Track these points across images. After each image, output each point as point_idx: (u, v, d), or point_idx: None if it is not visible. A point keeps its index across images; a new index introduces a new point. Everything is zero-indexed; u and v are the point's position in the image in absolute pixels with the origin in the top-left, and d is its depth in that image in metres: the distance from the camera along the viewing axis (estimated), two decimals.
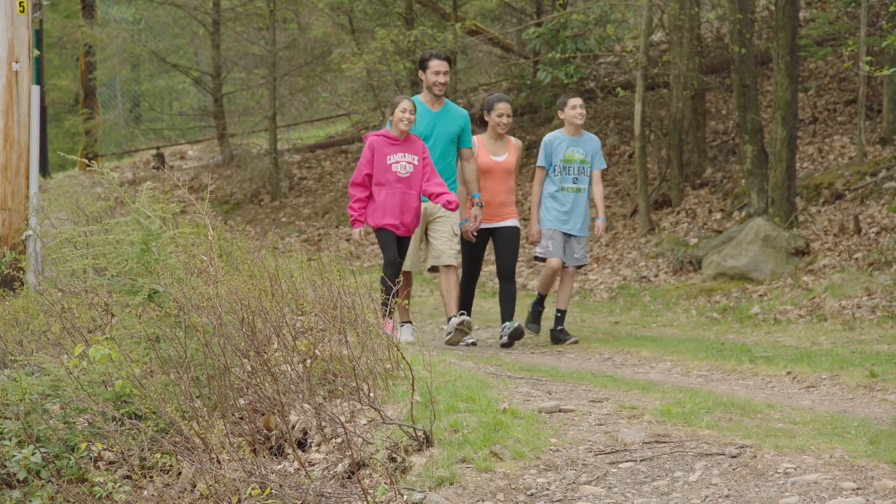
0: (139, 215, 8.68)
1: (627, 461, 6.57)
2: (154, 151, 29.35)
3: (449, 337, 11.49)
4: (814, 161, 19.50)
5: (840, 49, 21.55)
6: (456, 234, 11.49)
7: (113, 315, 8.85)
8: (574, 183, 12.04)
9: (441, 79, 11.56)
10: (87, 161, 24.92)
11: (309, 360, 7.71)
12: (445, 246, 11.41)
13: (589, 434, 6.98)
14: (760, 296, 14.90)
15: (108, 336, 8.02)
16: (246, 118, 28.41)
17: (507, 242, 11.95)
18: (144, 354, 7.97)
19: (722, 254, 16.00)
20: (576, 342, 12.01)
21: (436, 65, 11.58)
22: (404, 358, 7.39)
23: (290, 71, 25.99)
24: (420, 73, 11.76)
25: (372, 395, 7.44)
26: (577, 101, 12.10)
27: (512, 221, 11.95)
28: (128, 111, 33.63)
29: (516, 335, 11.78)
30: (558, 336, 12.11)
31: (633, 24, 23.05)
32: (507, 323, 11.82)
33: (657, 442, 6.80)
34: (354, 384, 7.32)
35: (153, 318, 8.12)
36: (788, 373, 9.82)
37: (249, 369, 7.69)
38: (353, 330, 7.84)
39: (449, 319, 11.50)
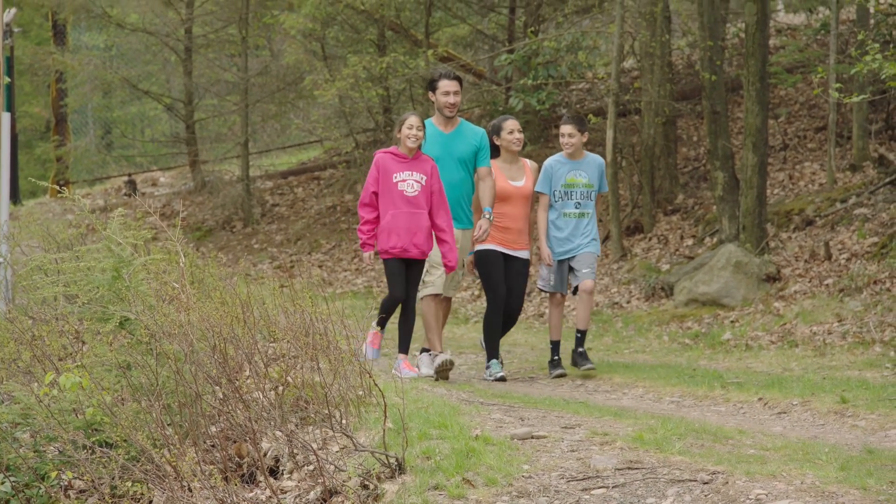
0: (110, 242, 8.66)
1: (600, 488, 6.57)
2: (126, 178, 29.26)
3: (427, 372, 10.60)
4: (784, 187, 19.59)
5: (810, 76, 21.72)
6: (463, 267, 11.04)
7: (84, 343, 8.81)
8: (576, 208, 11.49)
9: (451, 99, 10.93)
10: (58, 188, 24.76)
11: (281, 387, 7.69)
12: (448, 277, 10.82)
13: (561, 460, 6.98)
14: (732, 322, 14.94)
15: (79, 364, 7.98)
16: (218, 145, 28.38)
17: (516, 278, 11.34)
18: (115, 382, 7.93)
19: (693, 280, 16.05)
20: (592, 369, 11.48)
21: (445, 85, 10.97)
22: (377, 385, 7.39)
23: (262, 97, 25.99)
24: (430, 94, 11.15)
25: (344, 421, 7.42)
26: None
27: (525, 253, 11.38)
28: (99, 138, 33.53)
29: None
30: (577, 359, 11.58)
31: (604, 51, 23.14)
32: (493, 362, 11.26)
33: (629, 468, 6.80)
34: (326, 411, 7.30)
35: (124, 345, 8.09)
36: (760, 399, 9.85)
37: (221, 396, 7.66)
38: (326, 357, 7.83)
39: (421, 352, 10.89)
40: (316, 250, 23.06)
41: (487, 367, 11.26)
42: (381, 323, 10.39)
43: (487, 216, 10.88)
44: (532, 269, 15.19)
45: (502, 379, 11.13)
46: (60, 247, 10.62)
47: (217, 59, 27.47)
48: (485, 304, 11.95)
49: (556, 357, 11.59)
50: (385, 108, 24.28)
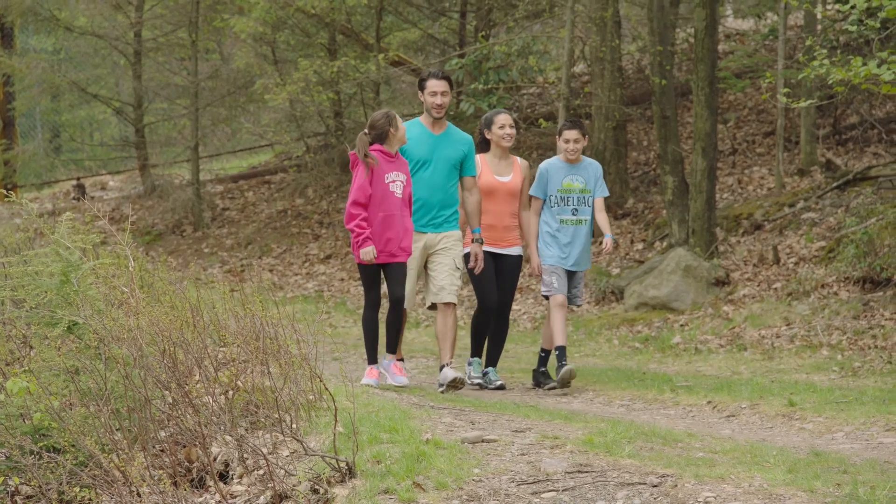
0: (58, 246, 8.60)
1: (550, 491, 6.58)
2: (74, 182, 29.06)
3: (441, 390, 10.14)
4: (733, 192, 19.72)
5: (758, 81, 21.90)
6: (458, 268, 10.40)
7: (31, 347, 8.73)
8: (574, 214, 10.99)
9: (438, 100, 10.41)
10: (5, 192, 24.57)
11: (231, 392, 7.66)
12: (447, 281, 10.28)
13: (512, 464, 6.99)
14: (681, 325, 15.02)
15: (27, 369, 7.92)
16: (168, 149, 28.24)
17: (507, 276, 10.98)
18: (63, 387, 7.88)
19: (644, 284, 16.11)
20: (555, 388, 10.96)
21: (433, 85, 10.48)
22: (327, 389, 7.37)
23: (212, 101, 25.89)
24: (419, 94, 10.63)
25: (294, 426, 7.41)
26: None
27: (516, 249, 11.00)
28: (47, 141, 33.31)
29: (501, 389, 10.85)
30: (540, 378, 11.19)
31: (555, 55, 23.25)
32: (491, 372, 11.01)
33: (579, 472, 6.81)
34: (277, 415, 7.28)
35: (72, 350, 8.03)
36: (709, 402, 9.90)
37: (170, 401, 7.63)
38: (276, 361, 7.81)
39: (442, 368, 10.30)
40: (267, 254, 23.00)
41: (469, 364, 11.07)
42: (392, 348, 9.99)
43: (478, 239, 10.53)
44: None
45: (480, 386, 10.93)
46: (8, 251, 10.53)
47: (167, 62, 27.35)
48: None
49: (564, 363, 10.82)
50: (336, 113, 24.26)
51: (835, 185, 17.67)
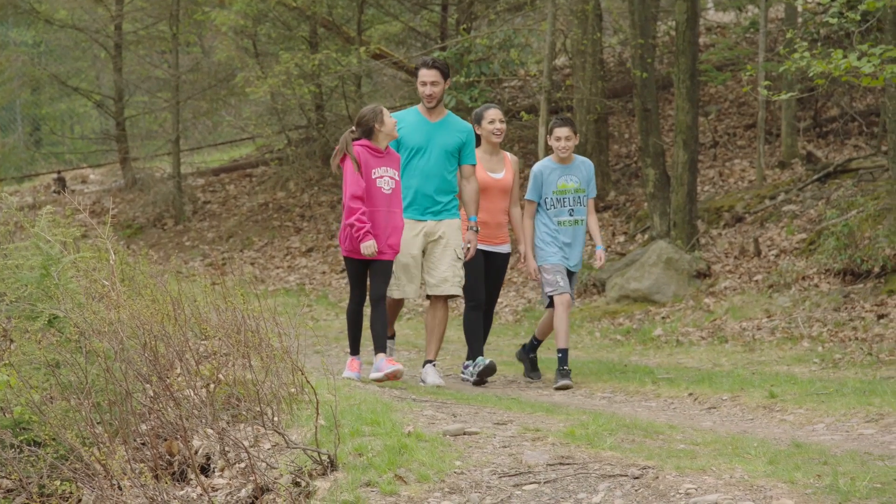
0: (39, 240, 8.58)
1: (531, 483, 6.59)
2: (55, 175, 28.97)
3: (423, 385, 10.05)
4: (715, 184, 19.76)
5: (739, 74, 21.93)
6: (460, 258, 10.28)
7: (12, 341, 8.72)
8: (570, 215, 10.74)
9: (427, 90, 10.26)
10: None
11: (212, 385, 7.65)
12: (449, 272, 10.18)
13: (493, 456, 6.99)
14: (663, 318, 15.04)
15: (7, 362, 7.90)
16: (149, 142, 28.18)
17: (496, 272, 10.82)
18: (44, 380, 7.86)
19: (625, 276, 16.14)
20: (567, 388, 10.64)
21: (422, 74, 10.35)
22: (309, 382, 7.37)
23: (193, 94, 25.83)
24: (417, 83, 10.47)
25: (276, 419, 7.40)
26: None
27: (506, 247, 10.83)
28: (28, 135, 33.18)
29: (488, 372, 10.56)
30: (525, 362, 11.23)
31: (536, 48, 23.25)
32: (480, 358, 10.58)
33: (561, 464, 6.82)
34: (258, 408, 7.28)
35: (53, 343, 8.02)
36: (690, 394, 9.92)
37: (152, 394, 7.62)
38: (258, 354, 7.80)
39: (425, 364, 10.26)
40: (248, 247, 22.96)
41: (466, 367, 10.73)
42: (381, 348, 9.78)
43: (474, 227, 10.34)
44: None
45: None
46: None
47: (147, 55, 27.28)
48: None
49: (566, 367, 10.64)
50: (317, 106, 24.23)
51: (815, 177, 17.72)
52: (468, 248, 10.32)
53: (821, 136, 20.46)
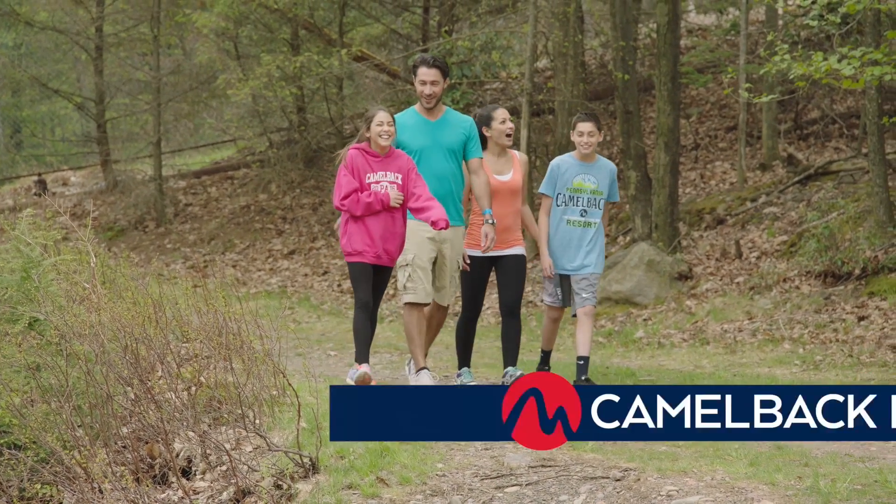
0: (19, 242, 8.56)
1: (513, 485, 6.59)
2: (36, 178, 28.90)
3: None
4: (696, 186, 19.80)
5: (720, 76, 22.00)
6: (458, 269, 9.88)
7: None
8: (582, 216, 10.15)
9: (427, 89, 9.67)
10: None
11: (194, 388, 7.64)
12: (445, 281, 9.77)
13: (475, 459, 6.99)
14: (645, 320, 15.06)
15: None
16: (130, 144, 28.14)
17: (512, 273, 10.13)
18: (25, 384, 7.84)
19: (607, 278, 16.15)
20: None
21: (422, 73, 9.71)
22: (290, 384, 7.36)
23: (174, 97, 25.80)
24: (414, 81, 9.89)
25: (258, 421, 7.39)
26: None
27: (518, 249, 10.11)
28: (8, 137, 33.11)
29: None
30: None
31: (518, 50, 23.27)
32: (511, 369, 10.06)
33: (543, 466, 6.83)
34: (240, 411, 7.27)
35: (34, 346, 8.00)
36: None
37: (133, 397, 7.61)
38: (239, 357, 7.79)
39: (419, 371, 9.54)
40: (230, 250, 22.93)
41: (458, 376, 10.22)
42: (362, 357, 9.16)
43: (490, 220, 9.70)
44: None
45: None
46: None
47: (128, 57, 27.23)
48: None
49: (546, 367, 10.47)
50: (299, 108, 24.21)
51: (796, 179, 17.77)
52: (486, 238, 9.71)
53: (801, 138, 20.51)
